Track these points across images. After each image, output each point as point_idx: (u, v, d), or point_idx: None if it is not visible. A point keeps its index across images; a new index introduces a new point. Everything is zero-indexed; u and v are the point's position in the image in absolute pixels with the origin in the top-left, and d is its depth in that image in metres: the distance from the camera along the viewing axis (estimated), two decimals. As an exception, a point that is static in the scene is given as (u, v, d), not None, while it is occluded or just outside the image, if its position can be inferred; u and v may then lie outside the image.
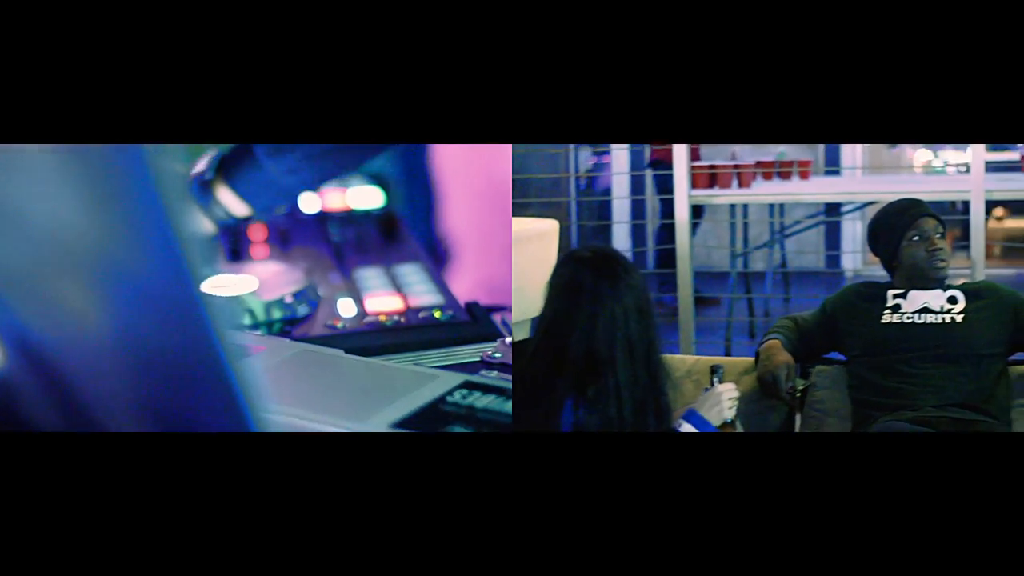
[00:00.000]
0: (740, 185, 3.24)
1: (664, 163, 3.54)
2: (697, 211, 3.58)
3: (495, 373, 1.37)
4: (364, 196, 1.96)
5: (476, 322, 1.46)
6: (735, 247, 4.16)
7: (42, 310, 1.02)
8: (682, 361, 2.03)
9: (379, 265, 1.62)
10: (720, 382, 1.62)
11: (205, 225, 1.58)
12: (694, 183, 2.96)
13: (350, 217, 1.89)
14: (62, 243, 0.93)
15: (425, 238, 2.08)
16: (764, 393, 1.89)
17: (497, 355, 1.40)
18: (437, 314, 1.46)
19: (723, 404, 1.61)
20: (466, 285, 2.08)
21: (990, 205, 5.71)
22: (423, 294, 1.51)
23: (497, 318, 1.52)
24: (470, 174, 2.15)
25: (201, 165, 1.58)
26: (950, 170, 5.09)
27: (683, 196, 2.87)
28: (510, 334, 1.48)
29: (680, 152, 2.89)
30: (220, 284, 1.50)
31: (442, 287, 1.53)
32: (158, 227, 0.83)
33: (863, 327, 1.94)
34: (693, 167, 2.99)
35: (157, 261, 0.86)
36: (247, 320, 1.44)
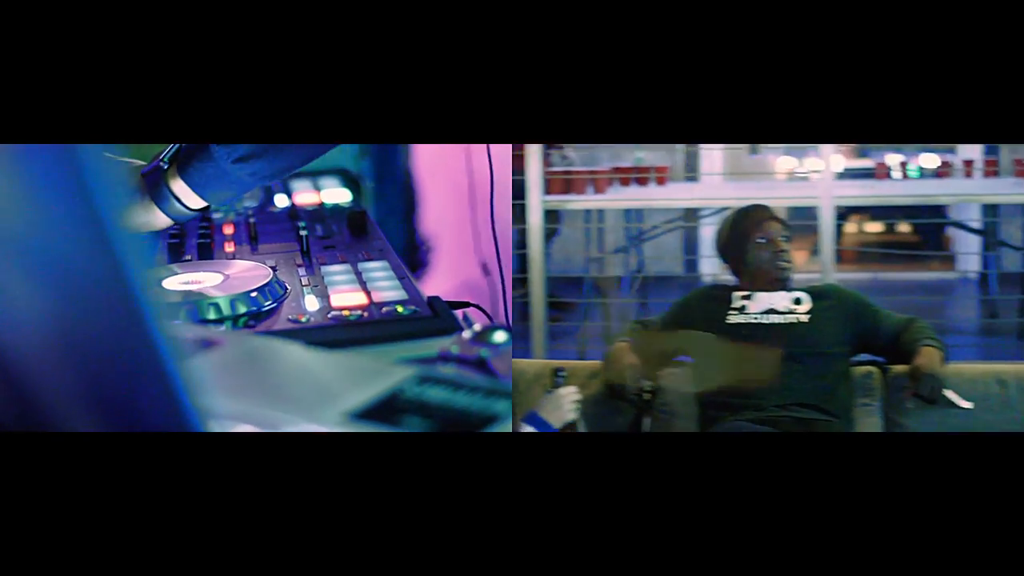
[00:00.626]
0: (596, 191, 3.30)
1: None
2: (554, 216, 3.62)
3: (451, 367, 1.38)
4: (335, 193, 1.97)
5: (437, 317, 1.47)
6: (590, 252, 4.24)
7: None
8: (530, 365, 2.08)
9: (346, 262, 1.63)
10: (563, 385, 1.64)
11: (160, 218, 1.59)
12: (549, 188, 3.00)
13: (319, 213, 1.90)
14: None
15: (402, 238, 2.09)
16: (611, 395, 1.91)
17: (453, 349, 1.41)
18: (400, 309, 1.47)
19: (564, 406, 1.64)
20: (447, 286, 2.09)
21: (848, 211, 5.81)
22: (387, 290, 1.53)
23: (460, 313, 1.53)
24: (450, 173, 2.16)
25: (156, 157, 1.58)
26: (813, 177, 5.20)
27: (536, 201, 2.91)
28: (470, 328, 1.50)
29: (533, 157, 2.91)
30: (185, 280, 1.52)
31: (406, 284, 1.54)
32: (91, 220, 0.85)
33: (709, 328, 1.98)
34: (547, 172, 3.05)
35: (91, 254, 0.86)
36: (212, 315, 1.45)
